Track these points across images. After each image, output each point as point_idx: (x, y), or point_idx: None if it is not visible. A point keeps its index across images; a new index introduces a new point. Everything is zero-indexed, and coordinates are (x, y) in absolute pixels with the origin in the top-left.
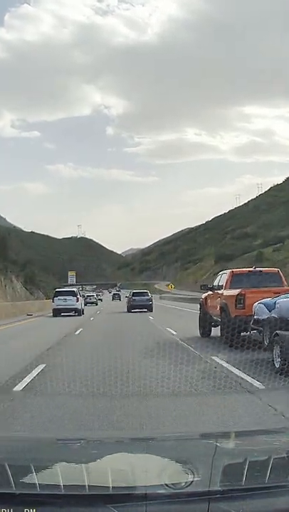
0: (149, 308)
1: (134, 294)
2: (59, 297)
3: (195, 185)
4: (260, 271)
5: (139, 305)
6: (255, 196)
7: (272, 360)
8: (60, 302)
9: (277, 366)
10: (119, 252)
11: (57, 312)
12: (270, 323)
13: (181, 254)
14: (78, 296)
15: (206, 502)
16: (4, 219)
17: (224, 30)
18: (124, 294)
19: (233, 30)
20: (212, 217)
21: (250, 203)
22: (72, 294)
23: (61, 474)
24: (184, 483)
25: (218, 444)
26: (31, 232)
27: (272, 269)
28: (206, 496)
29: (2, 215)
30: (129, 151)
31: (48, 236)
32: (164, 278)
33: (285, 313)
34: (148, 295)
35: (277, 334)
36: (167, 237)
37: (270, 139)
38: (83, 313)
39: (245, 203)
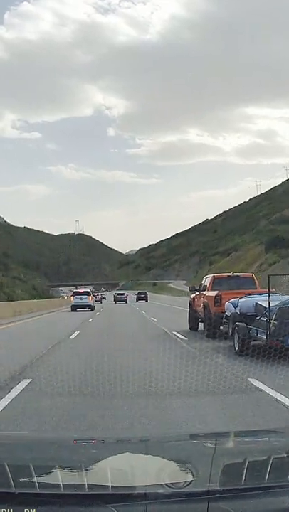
0: (126, 301)
1: (117, 294)
2: (76, 296)
3: (197, 187)
4: (238, 276)
5: (120, 300)
6: (280, 182)
7: (234, 345)
8: (77, 300)
9: (236, 349)
10: (121, 252)
11: (74, 308)
12: (233, 318)
13: (200, 247)
14: (91, 296)
15: (205, 502)
16: (3, 218)
17: (227, 29)
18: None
19: (237, 29)
20: (230, 206)
21: (276, 188)
22: (87, 293)
23: (61, 474)
24: (183, 483)
25: (217, 444)
26: (24, 227)
27: (247, 274)
28: (205, 495)
29: (1, 215)
30: (130, 153)
31: (42, 232)
32: (176, 276)
33: (243, 310)
34: (125, 294)
35: (237, 325)
36: (179, 232)
37: (272, 140)
38: (94, 309)
39: (270, 189)
